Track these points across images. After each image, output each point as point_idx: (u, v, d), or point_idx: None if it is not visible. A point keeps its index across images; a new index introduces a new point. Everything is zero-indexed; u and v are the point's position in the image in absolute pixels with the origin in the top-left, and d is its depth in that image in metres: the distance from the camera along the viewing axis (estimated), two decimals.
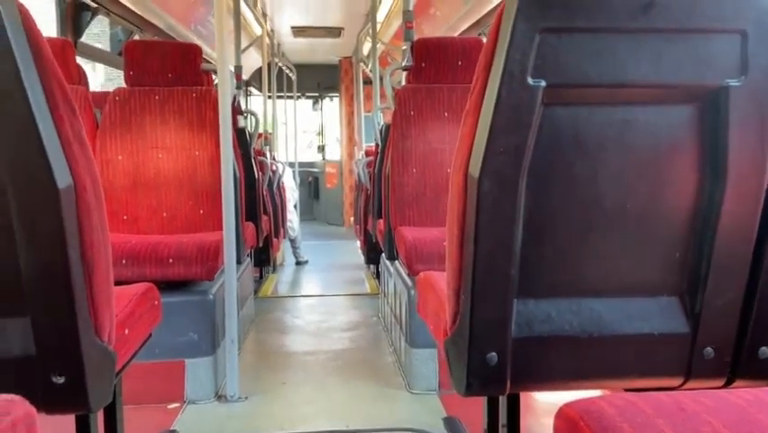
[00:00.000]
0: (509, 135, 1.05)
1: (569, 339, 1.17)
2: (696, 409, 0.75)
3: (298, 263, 6.02)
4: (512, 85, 1.02)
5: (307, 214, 9.40)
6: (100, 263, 1.12)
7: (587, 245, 1.15)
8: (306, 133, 11.01)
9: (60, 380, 1.10)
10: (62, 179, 1.03)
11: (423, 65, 3.10)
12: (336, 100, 9.89)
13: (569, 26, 1.02)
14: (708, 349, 1.17)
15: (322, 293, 4.77)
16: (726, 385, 1.22)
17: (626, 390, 1.27)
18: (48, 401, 1.11)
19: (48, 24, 3.32)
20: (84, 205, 1.07)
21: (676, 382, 1.21)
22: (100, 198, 1.13)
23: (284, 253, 6.14)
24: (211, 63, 3.19)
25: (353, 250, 6.55)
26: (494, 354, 1.14)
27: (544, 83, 1.02)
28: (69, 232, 1.04)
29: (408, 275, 2.71)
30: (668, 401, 0.77)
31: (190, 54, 3.07)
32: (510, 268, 1.11)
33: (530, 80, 1.02)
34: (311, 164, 10.15)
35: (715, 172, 1.09)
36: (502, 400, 1.51)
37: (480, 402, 1.59)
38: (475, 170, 1.07)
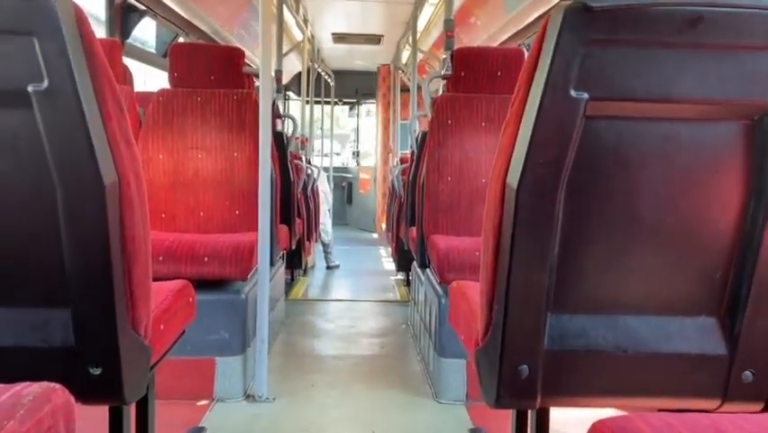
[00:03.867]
0: (550, 147, 1.04)
1: (603, 355, 1.15)
2: (734, 432, 0.73)
3: (329, 268, 6.04)
4: (554, 96, 1.01)
5: (340, 219, 9.44)
6: (140, 259, 1.15)
7: (624, 261, 1.13)
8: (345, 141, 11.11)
9: (97, 371, 1.13)
10: (108, 175, 1.05)
11: (462, 74, 3.09)
12: (373, 107, 9.94)
13: (614, 39, 1.01)
14: (747, 373, 1.14)
15: (352, 298, 4.78)
16: (766, 410, 1.18)
17: (660, 410, 1.25)
18: (84, 391, 1.13)
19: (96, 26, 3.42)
20: (127, 201, 1.10)
21: (712, 404, 1.18)
22: (143, 196, 1.16)
23: (315, 256, 6.18)
24: (252, 67, 3.24)
25: (384, 256, 6.56)
26: (525, 366, 1.13)
27: (586, 95, 1.01)
28: (112, 227, 1.07)
29: (440, 284, 2.70)
30: (706, 423, 0.76)
31: (234, 58, 3.13)
32: (545, 280, 1.10)
33: (573, 92, 1.01)
34: (345, 169, 10.21)
35: (760, 192, 1.06)
36: (531, 414, 1.49)
37: (508, 415, 1.57)
38: (514, 180, 1.07)
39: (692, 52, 1.02)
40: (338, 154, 11.29)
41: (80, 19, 1.03)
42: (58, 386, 0.80)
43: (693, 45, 1.01)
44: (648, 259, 1.13)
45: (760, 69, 1.02)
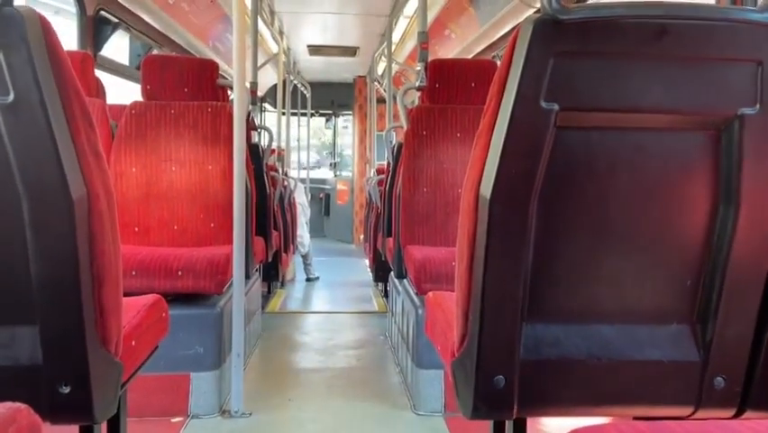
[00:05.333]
0: (521, 158, 1.05)
1: (577, 364, 1.15)
2: None
3: (309, 280, 6.00)
4: (525, 107, 1.02)
5: (318, 230, 9.41)
6: (110, 273, 1.13)
7: (597, 270, 1.14)
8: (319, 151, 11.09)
9: (66, 389, 1.10)
10: (76, 188, 1.04)
11: (437, 86, 3.11)
12: (350, 118, 9.96)
13: (583, 50, 1.02)
14: (719, 379, 1.15)
15: (329, 310, 4.76)
16: (737, 415, 1.20)
17: (635, 418, 1.26)
18: (53, 411, 1.11)
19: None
20: (97, 215, 1.08)
21: (686, 411, 1.19)
22: (113, 210, 1.14)
23: (295, 269, 6.14)
24: (227, 79, 3.22)
25: (362, 267, 6.54)
26: (501, 377, 1.13)
27: (557, 106, 1.02)
28: (81, 241, 1.05)
29: (416, 294, 2.70)
30: (677, 431, 0.76)
31: (207, 70, 3.11)
32: (519, 290, 1.10)
33: (543, 103, 1.02)
34: (323, 180, 10.19)
35: (728, 200, 1.08)
36: (508, 425, 1.49)
37: (486, 425, 1.57)
38: (486, 191, 1.07)
39: (659, 63, 1.04)
40: (319, 167, 11.26)
41: (47, 30, 1.01)
42: (23, 406, 0.78)
43: (660, 56, 1.03)
44: (620, 267, 1.14)
45: (724, 79, 1.04)
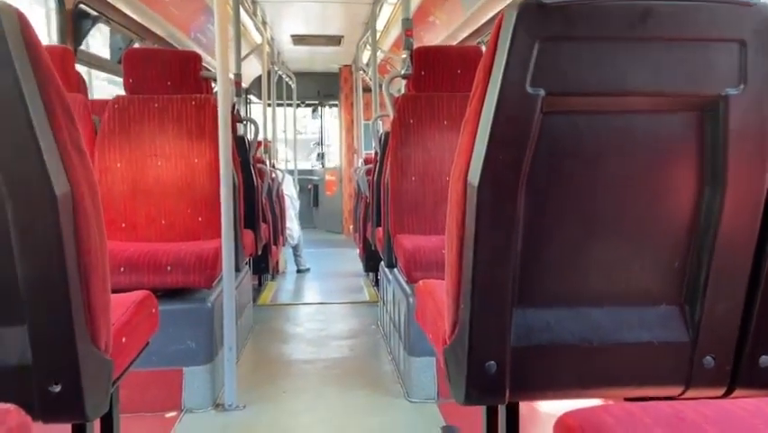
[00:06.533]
0: (508, 144, 1.05)
1: (568, 348, 1.16)
2: (696, 419, 0.74)
3: (299, 271, 6.00)
4: (511, 93, 1.02)
5: (307, 221, 9.39)
6: (97, 271, 1.12)
7: (586, 254, 1.15)
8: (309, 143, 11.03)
9: (57, 388, 1.09)
10: (60, 186, 1.02)
11: (422, 73, 3.10)
12: (336, 108, 9.92)
13: (567, 35, 1.02)
14: (708, 358, 1.17)
15: (321, 301, 4.76)
16: (727, 394, 1.21)
17: (627, 399, 1.27)
18: (44, 410, 1.10)
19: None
20: (81, 212, 1.07)
21: (676, 391, 1.20)
22: (98, 206, 1.13)
23: (285, 260, 6.13)
24: (211, 71, 3.19)
25: (352, 257, 6.54)
26: (493, 362, 1.14)
27: (543, 92, 1.02)
28: (66, 239, 1.04)
29: (407, 283, 2.71)
30: (668, 411, 0.77)
31: (189, 62, 3.08)
32: (509, 276, 1.11)
33: (529, 89, 1.02)
34: (311, 172, 10.16)
35: (714, 181, 1.09)
36: (501, 410, 1.50)
37: (479, 411, 1.58)
38: (474, 178, 1.07)
39: (644, 46, 1.04)
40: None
41: (24, 26, 1.00)
42: (12, 407, 0.77)
43: (644, 38, 1.03)
44: (609, 251, 1.15)
45: (710, 60, 1.04)
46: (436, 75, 3.09)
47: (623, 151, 1.10)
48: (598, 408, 0.81)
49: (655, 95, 1.06)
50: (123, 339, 1.31)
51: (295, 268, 6.07)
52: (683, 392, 1.20)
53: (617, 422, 0.75)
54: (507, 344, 1.13)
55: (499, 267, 1.10)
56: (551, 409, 2.32)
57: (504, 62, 1.01)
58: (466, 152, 1.10)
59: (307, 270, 6.04)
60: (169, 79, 3.00)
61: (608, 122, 1.09)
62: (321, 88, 9.93)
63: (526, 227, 1.10)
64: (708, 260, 1.12)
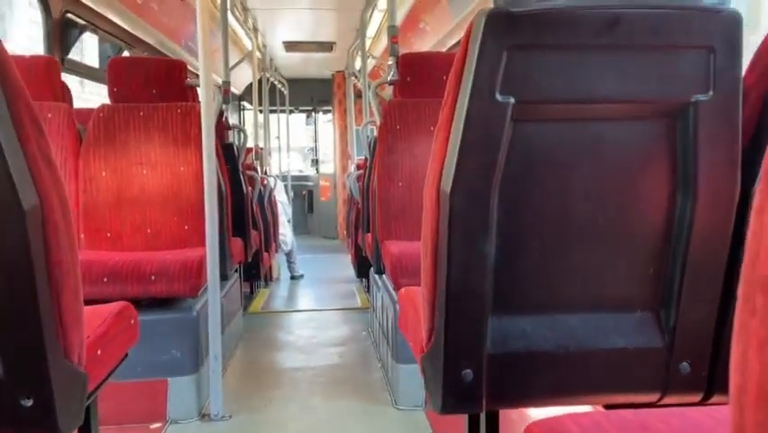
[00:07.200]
0: (480, 151, 1.05)
1: (544, 355, 1.16)
2: (659, 428, 0.74)
3: (293, 278, 5.98)
4: (481, 101, 1.02)
5: (302, 227, 9.37)
6: (68, 283, 1.11)
7: (560, 261, 1.14)
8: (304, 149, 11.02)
9: (29, 402, 1.08)
10: (28, 199, 1.01)
11: (408, 79, 3.10)
12: (330, 114, 9.91)
13: (536, 43, 1.02)
14: (685, 364, 1.16)
15: (312, 308, 4.74)
16: (705, 400, 1.21)
17: (606, 406, 1.26)
18: (16, 425, 1.09)
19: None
20: (51, 225, 1.06)
21: (654, 397, 1.20)
22: (68, 218, 1.12)
23: (279, 267, 6.11)
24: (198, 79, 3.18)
25: (346, 263, 6.53)
26: (469, 370, 1.13)
27: (513, 99, 1.02)
28: (35, 252, 1.03)
29: (394, 289, 2.69)
30: (633, 420, 0.76)
31: (174, 70, 3.07)
32: (484, 284, 1.10)
33: (499, 96, 1.02)
34: (305, 177, 10.14)
35: (686, 187, 1.09)
36: (483, 417, 1.49)
37: (465, 418, 1.57)
38: (447, 185, 1.07)
39: (613, 53, 1.04)
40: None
41: None
42: None
43: (613, 47, 1.03)
44: (583, 257, 1.14)
45: (678, 67, 1.04)
46: (422, 81, 3.09)
47: (595, 158, 1.10)
48: (566, 416, 0.80)
49: (625, 102, 1.06)
50: (99, 352, 1.30)
51: (288, 274, 6.05)
52: (661, 399, 1.19)
53: (581, 431, 0.74)
54: (484, 351, 1.13)
55: (474, 274, 1.10)
56: (534, 416, 2.31)
57: (473, 70, 1.01)
58: (439, 160, 1.10)
59: (301, 276, 6.02)
60: (154, 87, 2.99)
61: (579, 129, 1.08)
62: (315, 94, 9.92)
63: (500, 234, 1.10)
64: (682, 265, 1.12)
